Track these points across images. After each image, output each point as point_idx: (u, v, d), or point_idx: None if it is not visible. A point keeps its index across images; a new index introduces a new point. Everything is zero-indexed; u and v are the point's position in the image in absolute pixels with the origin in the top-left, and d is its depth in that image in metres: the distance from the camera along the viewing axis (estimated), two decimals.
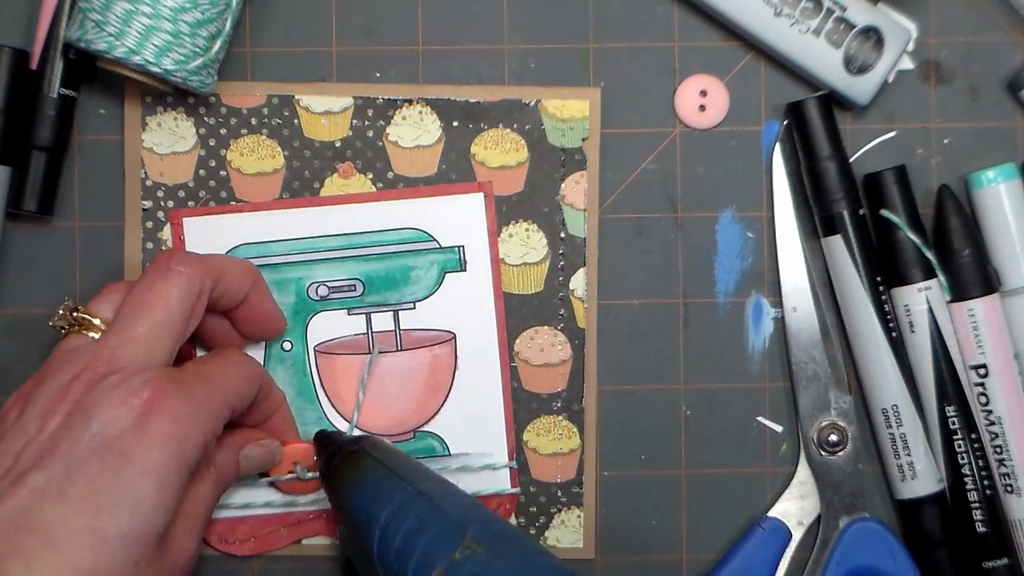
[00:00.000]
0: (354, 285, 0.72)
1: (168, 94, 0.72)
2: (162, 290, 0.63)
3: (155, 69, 0.67)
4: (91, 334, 0.64)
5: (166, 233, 0.72)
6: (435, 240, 0.72)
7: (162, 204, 0.72)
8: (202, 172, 0.72)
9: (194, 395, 0.62)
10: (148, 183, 0.72)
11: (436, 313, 0.72)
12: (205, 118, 0.72)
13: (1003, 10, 0.73)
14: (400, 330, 0.72)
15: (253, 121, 0.72)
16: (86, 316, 0.65)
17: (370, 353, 0.72)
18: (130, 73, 0.68)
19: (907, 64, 0.73)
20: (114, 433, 0.59)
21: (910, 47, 0.73)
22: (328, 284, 0.72)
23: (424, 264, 0.72)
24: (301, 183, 0.72)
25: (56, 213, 0.72)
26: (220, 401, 0.64)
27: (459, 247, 0.72)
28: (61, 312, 0.65)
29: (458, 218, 0.72)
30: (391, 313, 0.72)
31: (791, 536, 0.73)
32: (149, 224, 0.72)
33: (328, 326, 0.72)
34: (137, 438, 0.59)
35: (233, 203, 0.72)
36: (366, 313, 0.72)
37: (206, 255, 0.66)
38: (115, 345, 0.62)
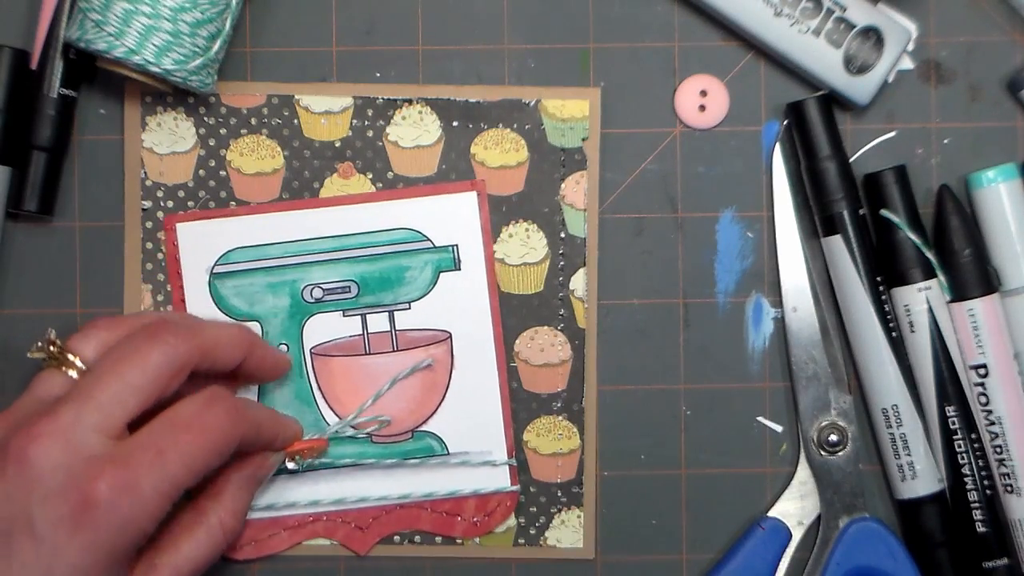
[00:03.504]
0: (348, 287, 0.72)
1: (168, 94, 0.72)
2: (145, 354, 0.62)
3: (155, 69, 0.67)
4: (70, 372, 0.64)
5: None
6: (429, 240, 0.72)
7: (162, 204, 0.72)
8: (202, 172, 0.72)
9: (136, 488, 0.59)
10: (148, 183, 0.72)
11: (431, 313, 0.72)
12: (205, 118, 0.72)
13: (1003, 10, 0.73)
14: (396, 331, 0.72)
15: (253, 121, 0.72)
16: (66, 353, 0.64)
17: (367, 353, 0.72)
18: (130, 73, 0.68)
19: (907, 64, 0.73)
20: (49, 521, 0.58)
21: (910, 47, 0.73)
22: (322, 286, 0.72)
23: (418, 264, 0.72)
24: (301, 183, 0.73)
25: (56, 213, 0.73)
26: (168, 486, 0.61)
27: (453, 246, 0.72)
28: (40, 344, 0.65)
29: (451, 217, 0.72)
30: (386, 314, 0.72)
31: (791, 536, 0.73)
32: (149, 224, 0.72)
33: (323, 328, 0.72)
34: (69, 535, 0.58)
35: (227, 207, 0.72)
36: (361, 314, 0.72)
37: (201, 326, 0.66)
38: (75, 406, 0.60)
